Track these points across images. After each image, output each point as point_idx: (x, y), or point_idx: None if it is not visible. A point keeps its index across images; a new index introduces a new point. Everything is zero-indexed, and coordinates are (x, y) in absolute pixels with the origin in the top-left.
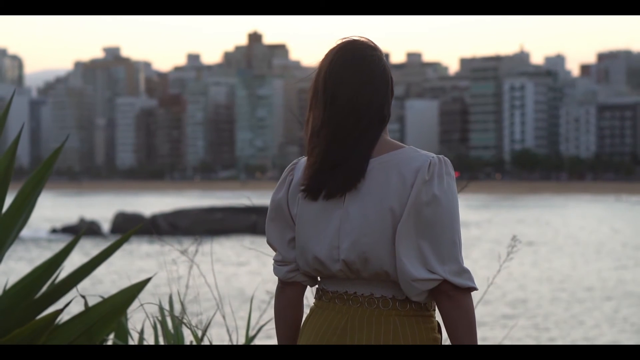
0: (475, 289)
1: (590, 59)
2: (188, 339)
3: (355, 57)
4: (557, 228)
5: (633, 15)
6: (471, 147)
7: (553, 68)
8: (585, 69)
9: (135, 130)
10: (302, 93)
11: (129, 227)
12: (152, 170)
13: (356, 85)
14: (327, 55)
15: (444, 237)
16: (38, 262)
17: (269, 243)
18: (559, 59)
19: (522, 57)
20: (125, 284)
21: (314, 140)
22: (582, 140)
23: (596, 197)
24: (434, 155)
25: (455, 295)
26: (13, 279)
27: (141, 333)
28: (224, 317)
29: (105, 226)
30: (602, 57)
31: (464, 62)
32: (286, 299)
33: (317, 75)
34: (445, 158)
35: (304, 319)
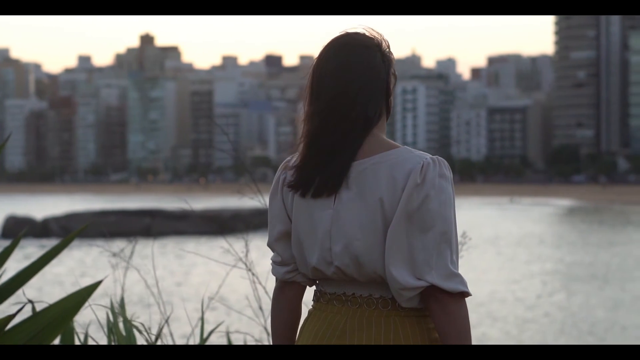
0: (467, 294)
1: (481, 62)
2: (140, 342)
3: (342, 52)
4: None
5: (522, 16)
6: None
7: (444, 71)
8: (475, 72)
9: (25, 133)
10: (195, 95)
11: (20, 230)
12: (42, 173)
13: (339, 82)
14: (321, 49)
15: (434, 241)
16: None
17: (268, 244)
18: (450, 63)
19: (413, 61)
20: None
21: (302, 137)
22: (472, 143)
23: (487, 199)
24: (429, 156)
25: (444, 299)
26: None
27: (85, 336)
28: (166, 320)
29: None
30: (492, 60)
31: None
32: (286, 299)
33: (311, 70)
34: (441, 159)
35: (301, 321)
